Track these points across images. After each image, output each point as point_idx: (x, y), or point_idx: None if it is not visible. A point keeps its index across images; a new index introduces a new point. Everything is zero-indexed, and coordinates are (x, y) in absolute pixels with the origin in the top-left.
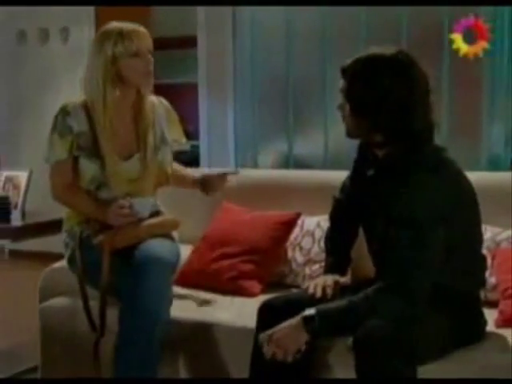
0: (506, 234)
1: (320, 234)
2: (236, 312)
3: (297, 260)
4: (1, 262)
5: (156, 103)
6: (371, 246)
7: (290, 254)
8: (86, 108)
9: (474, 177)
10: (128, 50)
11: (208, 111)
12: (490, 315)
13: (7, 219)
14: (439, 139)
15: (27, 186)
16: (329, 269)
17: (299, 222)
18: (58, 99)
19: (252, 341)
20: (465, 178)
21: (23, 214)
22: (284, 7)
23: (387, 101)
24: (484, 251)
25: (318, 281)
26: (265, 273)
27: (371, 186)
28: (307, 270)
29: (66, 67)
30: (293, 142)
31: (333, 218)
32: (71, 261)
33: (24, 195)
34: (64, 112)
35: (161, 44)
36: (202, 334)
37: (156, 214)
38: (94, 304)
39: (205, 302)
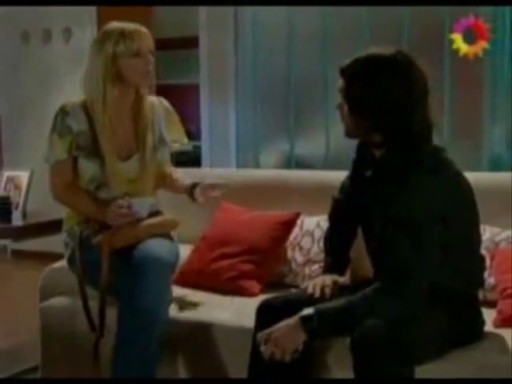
0: (505, 234)
1: (319, 234)
2: (235, 312)
3: (296, 260)
4: (3, 261)
5: (156, 103)
6: (370, 246)
7: (289, 253)
8: (86, 108)
9: (473, 177)
10: (129, 49)
11: (210, 111)
12: (489, 315)
13: (8, 219)
14: (440, 140)
15: (28, 186)
16: (328, 269)
17: (299, 221)
18: (61, 99)
19: (251, 341)
20: (463, 179)
21: (24, 214)
22: (286, 7)
23: (386, 101)
24: (483, 251)
25: (316, 281)
26: (264, 273)
27: (370, 186)
28: (307, 270)
29: (69, 67)
30: (294, 142)
31: (332, 218)
32: (71, 261)
33: (25, 195)
34: (63, 112)
35: (163, 44)
36: (201, 333)
37: (155, 213)
38: (94, 304)
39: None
